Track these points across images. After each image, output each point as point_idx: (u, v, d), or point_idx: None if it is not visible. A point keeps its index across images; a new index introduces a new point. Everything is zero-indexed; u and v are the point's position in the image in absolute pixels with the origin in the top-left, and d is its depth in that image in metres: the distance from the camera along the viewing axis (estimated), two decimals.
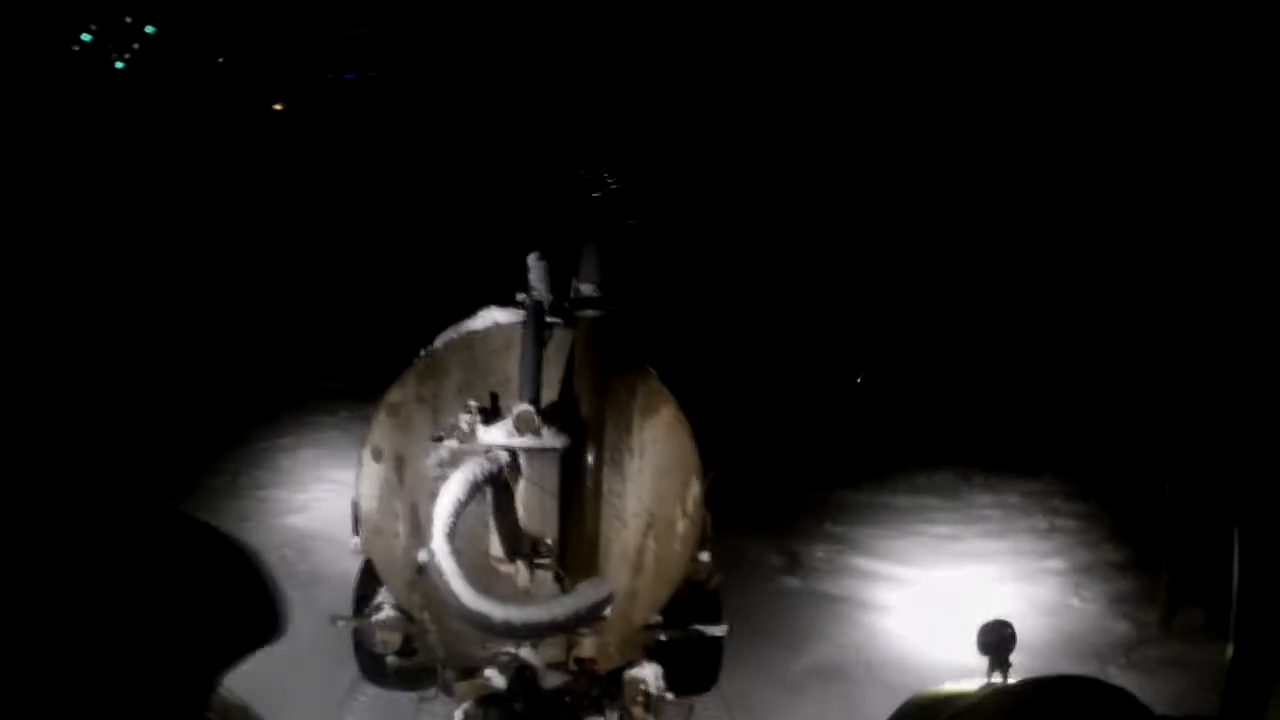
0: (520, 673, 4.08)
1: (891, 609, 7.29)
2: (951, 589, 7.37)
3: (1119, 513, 8.39)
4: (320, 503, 8.32)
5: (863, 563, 7.95)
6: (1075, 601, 7.52)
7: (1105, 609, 7.40)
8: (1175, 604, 7.08)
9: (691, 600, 4.92)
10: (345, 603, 5.19)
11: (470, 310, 5.14)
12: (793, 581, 7.67)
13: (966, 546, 8.11)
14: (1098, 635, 7.08)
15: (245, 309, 11.40)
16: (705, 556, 4.83)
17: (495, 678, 4.18)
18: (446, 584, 3.96)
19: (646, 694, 4.46)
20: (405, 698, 5.17)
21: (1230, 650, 3.48)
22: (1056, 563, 7.94)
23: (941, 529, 8.40)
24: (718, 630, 4.84)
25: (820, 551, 8.13)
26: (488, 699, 4.14)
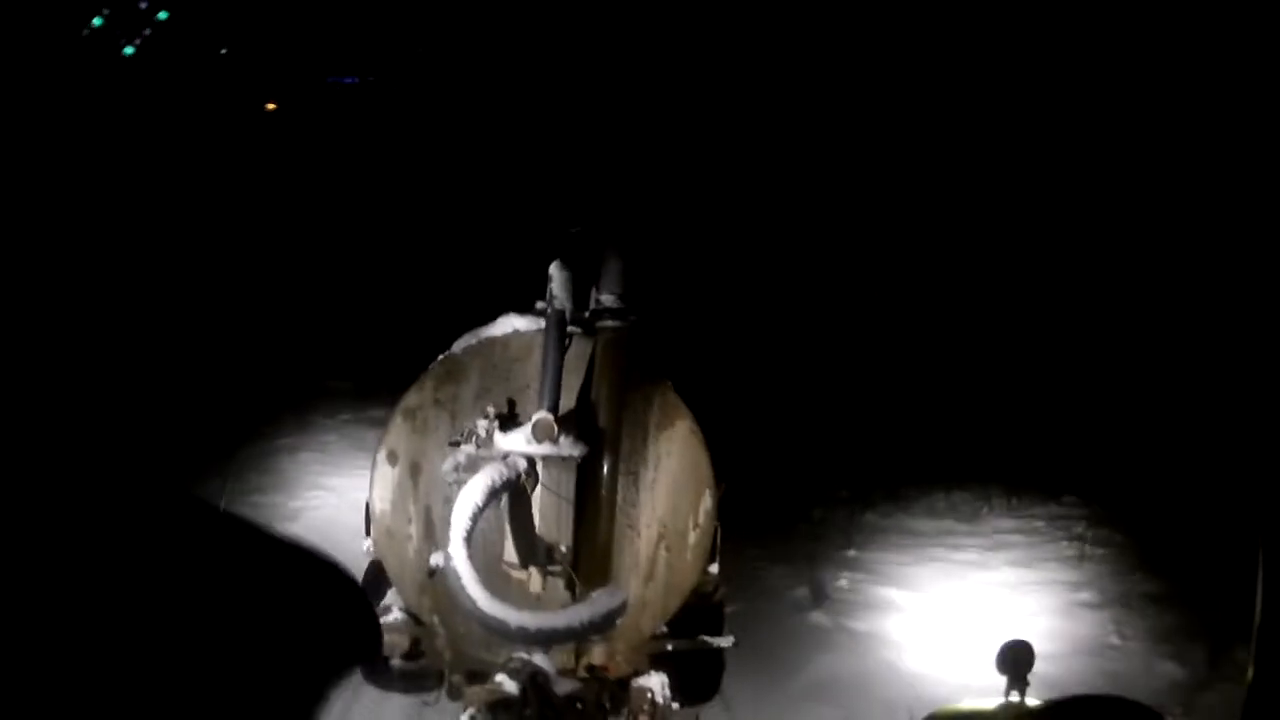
0: (533, 678, 4.18)
1: (920, 648, 7.10)
2: (984, 626, 7.11)
3: (1145, 539, 8.38)
4: (313, 510, 8.21)
5: (890, 593, 7.85)
6: (1116, 640, 7.29)
7: (1148, 648, 7.16)
8: (1224, 644, 6.91)
9: (696, 611, 4.97)
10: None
11: (482, 316, 5.18)
12: (820, 617, 7.60)
13: (994, 576, 8.06)
14: (1146, 677, 6.81)
15: (257, 306, 11.34)
16: (714, 568, 4.90)
17: (507, 683, 4.23)
18: (463, 588, 4.05)
19: (654, 702, 4.55)
20: (409, 700, 5.17)
21: (1251, 672, 3.57)
22: (1090, 595, 7.78)
23: (966, 555, 8.39)
24: (724, 641, 4.91)
25: (844, 580, 8.07)
26: (499, 704, 4.20)
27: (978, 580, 7.96)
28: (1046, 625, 7.27)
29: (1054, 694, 3.90)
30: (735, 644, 5.21)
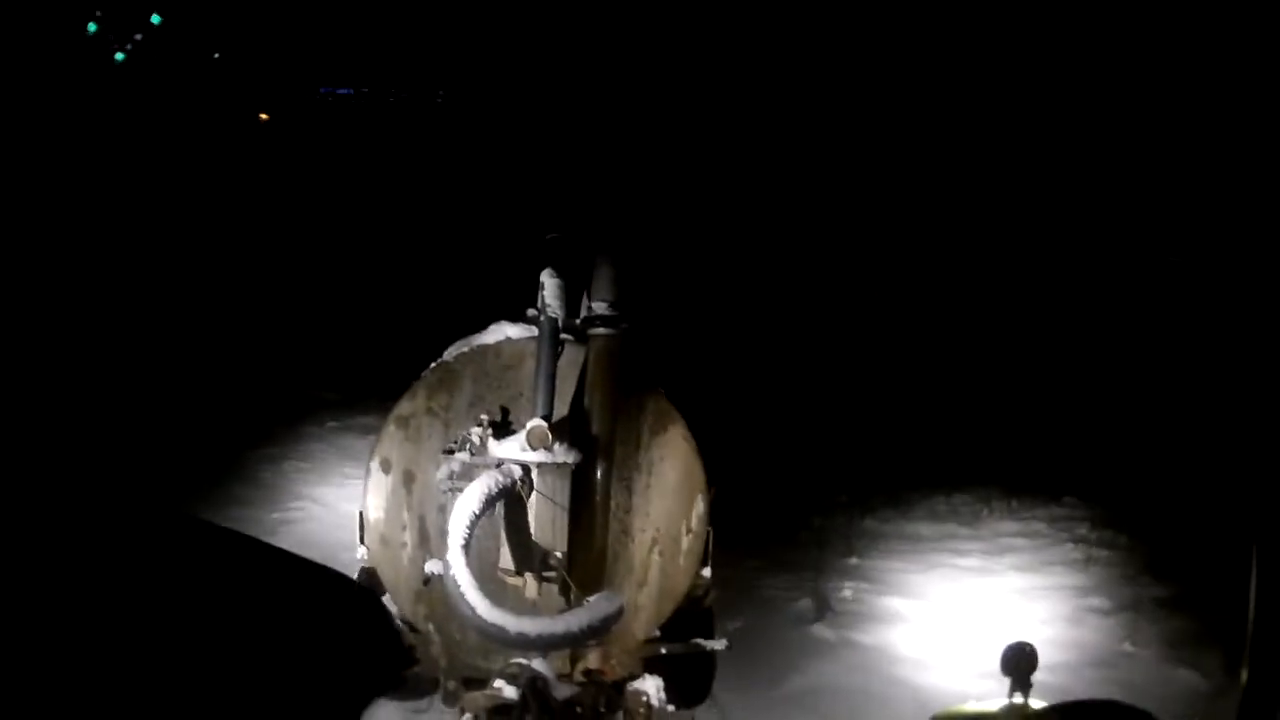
0: (532, 683, 4.26)
1: (928, 660, 7.01)
2: (994, 636, 6.93)
3: (1150, 540, 8.47)
4: (292, 525, 8.21)
5: (895, 603, 7.79)
6: (1128, 647, 7.24)
7: (1162, 655, 7.12)
8: (1239, 648, 6.86)
9: (688, 615, 5.08)
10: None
11: (472, 324, 5.27)
12: (823, 629, 7.48)
13: (999, 582, 8.10)
14: (1162, 687, 6.71)
15: (242, 313, 11.31)
16: (707, 572, 5.01)
17: (506, 688, 4.31)
18: (463, 596, 4.13)
19: (649, 705, 4.66)
20: (400, 707, 5.23)
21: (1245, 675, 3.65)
22: (1099, 601, 7.80)
23: (970, 561, 8.42)
24: (717, 644, 5.02)
25: (848, 591, 7.99)
26: (498, 709, 4.29)
27: (984, 587, 7.98)
28: (1057, 634, 7.23)
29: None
30: (729, 648, 5.31)
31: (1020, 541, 8.63)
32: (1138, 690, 6.57)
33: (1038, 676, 4.11)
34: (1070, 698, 5.41)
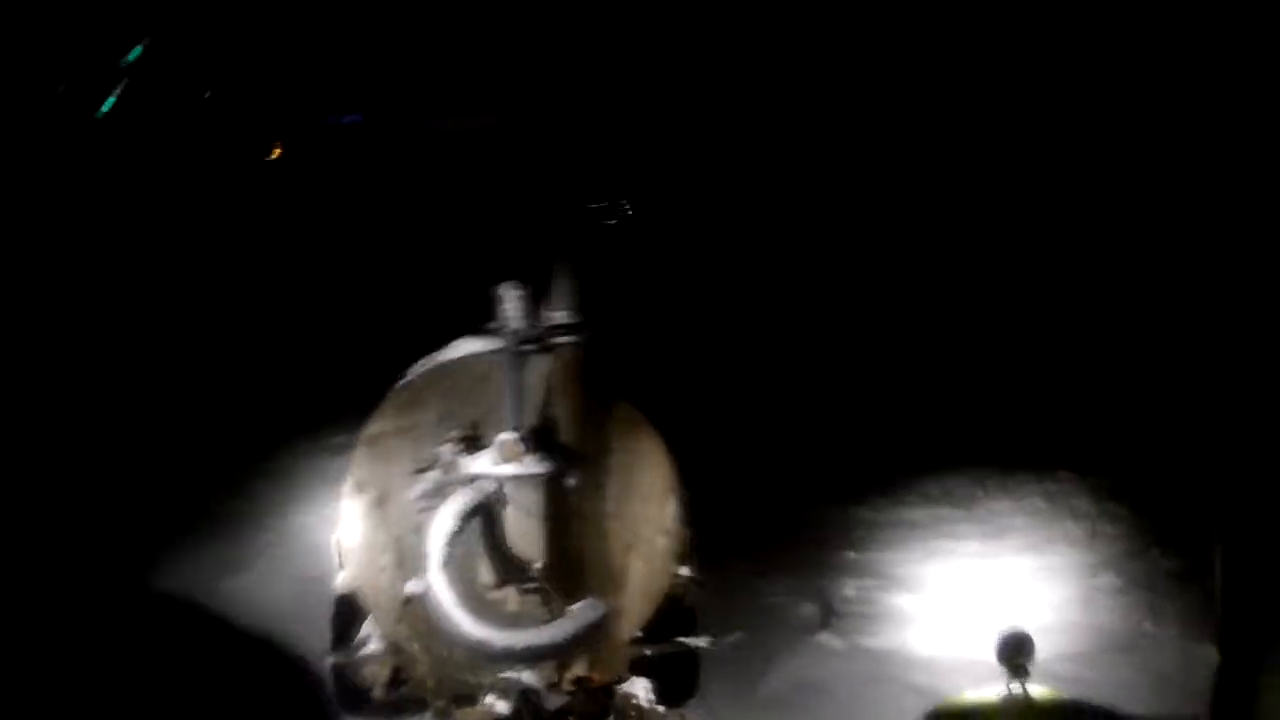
0: (523, 696, 4.35)
1: (938, 658, 6.80)
2: (1003, 626, 6.64)
3: (1154, 511, 8.03)
4: (269, 552, 8.13)
5: (897, 599, 7.47)
6: (1148, 627, 7.01)
7: (1183, 633, 6.85)
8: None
9: (669, 615, 5.21)
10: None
11: (437, 343, 5.35)
12: (830, 638, 7.21)
13: (1001, 564, 7.81)
14: (1186, 671, 6.49)
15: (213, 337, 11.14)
16: (685, 571, 5.14)
17: (498, 703, 4.42)
18: (446, 614, 4.24)
19: (639, 708, 4.79)
20: None
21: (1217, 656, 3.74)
22: (1110, 579, 7.54)
23: (969, 545, 8.03)
24: (700, 641, 5.14)
25: (850, 590, 7.60)
26: None
27: (988, 572, 7.65)
28: (1069, 618, 6.97)
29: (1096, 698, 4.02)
30: (714, 645, 5.42)
31: (1018, 520, 8.24)
32: (1161, 675, 6.40)
33: (1054, 666, 4.15)
34: (1087, 687, 5.42)
